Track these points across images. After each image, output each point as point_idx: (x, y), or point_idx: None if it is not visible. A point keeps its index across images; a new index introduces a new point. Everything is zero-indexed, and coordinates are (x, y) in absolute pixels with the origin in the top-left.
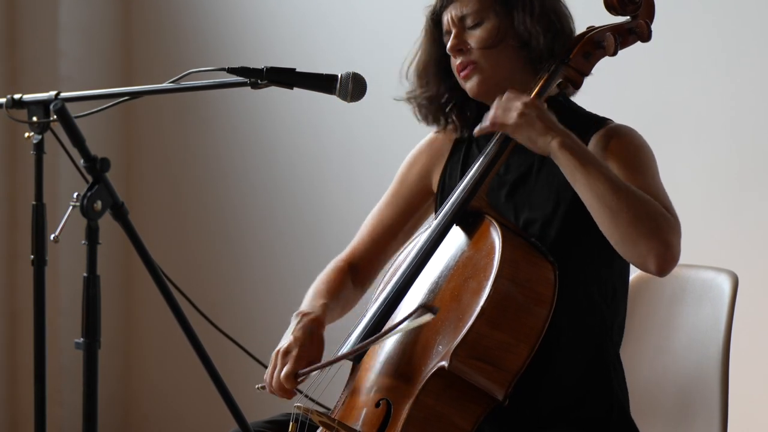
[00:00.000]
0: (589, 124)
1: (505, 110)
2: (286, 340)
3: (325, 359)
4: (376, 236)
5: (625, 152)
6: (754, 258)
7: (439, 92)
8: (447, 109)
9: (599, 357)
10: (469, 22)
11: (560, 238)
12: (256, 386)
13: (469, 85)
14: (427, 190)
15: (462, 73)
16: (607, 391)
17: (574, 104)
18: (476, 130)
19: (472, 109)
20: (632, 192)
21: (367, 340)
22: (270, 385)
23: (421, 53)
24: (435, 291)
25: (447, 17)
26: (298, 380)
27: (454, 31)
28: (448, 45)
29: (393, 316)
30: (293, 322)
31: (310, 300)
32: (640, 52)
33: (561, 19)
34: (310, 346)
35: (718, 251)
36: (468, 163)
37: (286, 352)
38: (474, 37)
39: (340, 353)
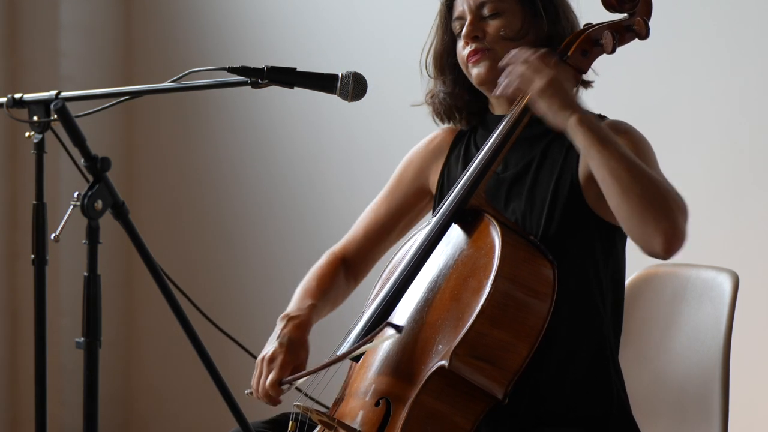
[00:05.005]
0: None
1: (535, 71)
2: (271, 346)
3: (310, 364)
4: (370, 232)
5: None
6: (754, 258)
7: (456, 81)
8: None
9: (599, 354)
10: (486, 11)
11: (557, 235)
12: (245, 391)
13: (476, 71)
14: (422, 190)
15: (472, 59)
16: (607, 388)
17: None
18: (497, 91)
19: (472, 105)
20: (645, 171)
21: (339, 354)
22: (256, 391)
23: (437, 41)
24: (434, 290)
25: (463, 3)
26: (283, 388)
27: (469, 18)
28: (464, 30)
29: (391, 316)
30: (278, 326)
31: (298, 299)
32: (639, 50)
33: (573, 23)
34: (294, 352)
35: (718, 251)
36: (468, 160)
37: (271, 359)
38: (493, 27)
39: (325, 362)
